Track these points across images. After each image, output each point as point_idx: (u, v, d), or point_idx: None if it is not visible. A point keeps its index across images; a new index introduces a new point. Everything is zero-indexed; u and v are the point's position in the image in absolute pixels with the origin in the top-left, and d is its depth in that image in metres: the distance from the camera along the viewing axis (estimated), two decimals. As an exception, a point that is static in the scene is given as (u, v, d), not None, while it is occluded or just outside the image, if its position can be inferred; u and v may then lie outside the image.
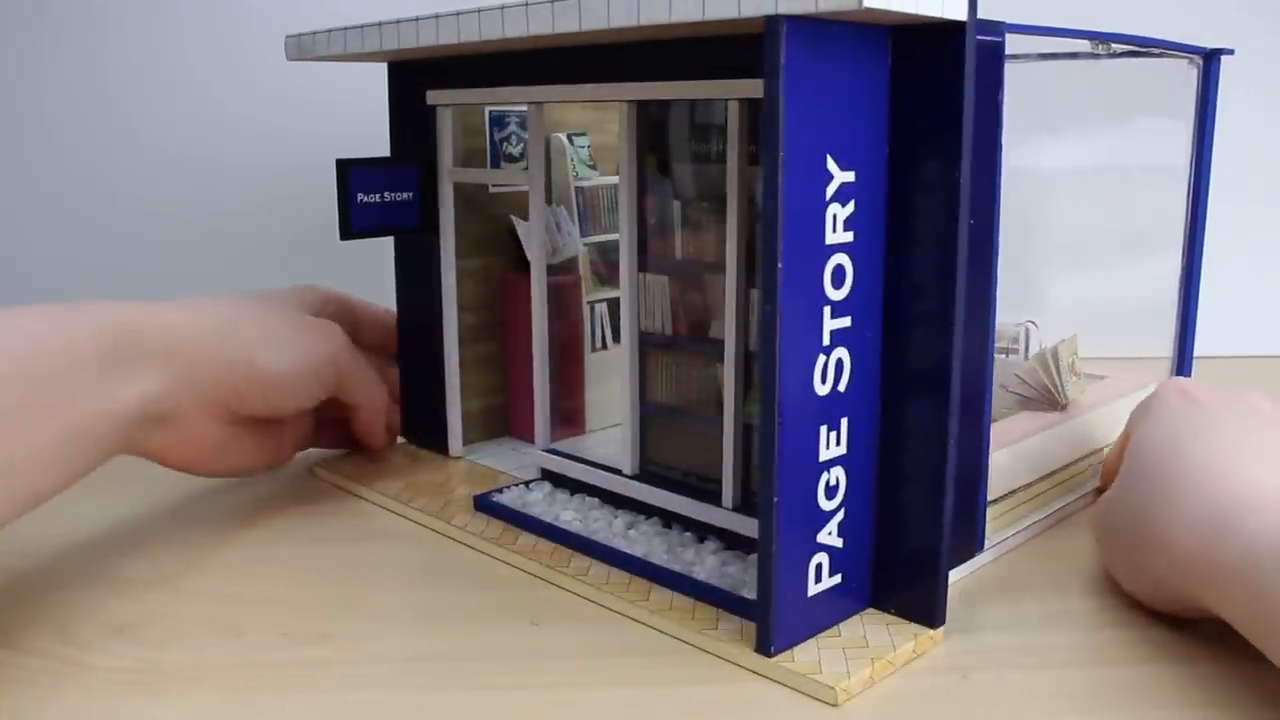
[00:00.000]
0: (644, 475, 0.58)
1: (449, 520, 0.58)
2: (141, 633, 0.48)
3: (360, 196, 0.62)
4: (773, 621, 0.43)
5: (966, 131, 0.42)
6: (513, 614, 0.50)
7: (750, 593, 0.48)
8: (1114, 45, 0.56)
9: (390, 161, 0.64)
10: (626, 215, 0.56)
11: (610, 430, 0.72)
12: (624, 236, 0.56)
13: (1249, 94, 0.74)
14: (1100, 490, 0.61)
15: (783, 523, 0.43)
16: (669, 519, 0.56)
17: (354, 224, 0.62)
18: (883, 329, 0.45)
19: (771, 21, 0.39)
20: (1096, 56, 0.55)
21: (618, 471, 0.58)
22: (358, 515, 0.62)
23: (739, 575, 0.50)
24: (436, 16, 0.54)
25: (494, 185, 0.69)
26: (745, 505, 0.53)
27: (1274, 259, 0.95)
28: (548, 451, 0.62)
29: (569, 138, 0.70)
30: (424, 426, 0.70)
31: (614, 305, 0.74)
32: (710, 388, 0.56)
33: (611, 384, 0.73)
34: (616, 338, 0.74)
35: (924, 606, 0.46)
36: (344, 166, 0.61)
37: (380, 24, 0.57)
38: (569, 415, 0.69)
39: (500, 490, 0.61)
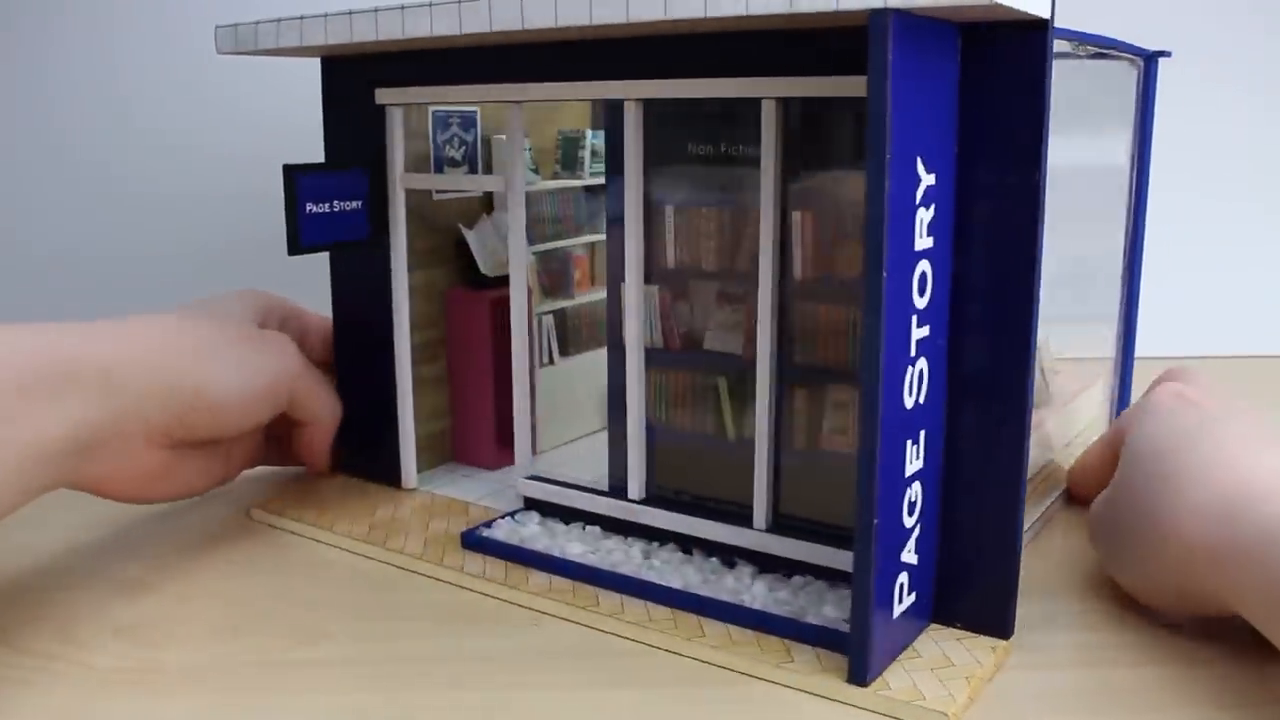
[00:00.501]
0: (653, 499, 0.54)
1: (439, 562, 0.53)
2: (142, 633, 0.48)
3: (310, 207, 0.55)
4: (870, 649, 0.41)
5: (1047, 132, 0.41)
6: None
7: (816, 618, 0.45)
8: (1088, 46, 0.57)
9: (339, 167, 0.57)
10: (633, 219, 0.52)
11: (563, 449, 0.68)
12: (630, 242, 0.52)
13: (1250, 94, 0.76)
14: (1070, 493, 0.62)
15: (880, 546, 0.41)
16: (685, 544, 0.53)
17: (304, 237, 0.55)
18: (948, 335, 0.44)
19: (878, 16, 0.37)
20: (1080, 57, 0.56)
21: (622, 495, 0.55)
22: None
23: (794, 600, 0.47)
24: (401, 7, 0.49)
25: (438, 192, 0.64)
26: (777, 526, 0.51)
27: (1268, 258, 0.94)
28: (533, 479, 0.57)
29: (512, 140, 0.65)
30: (368, 456, 0.63)
31: (559, 317, 0.70)
32: (709, 401, 0.53)
33: (558, 400, 0.69)
34: (563, 351, 0.70)
35: (995, 617, 0.45)
36: (291, 173, 0.54)
37: (334, 14, 0.51)
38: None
39: (487, 524, 0.55)
